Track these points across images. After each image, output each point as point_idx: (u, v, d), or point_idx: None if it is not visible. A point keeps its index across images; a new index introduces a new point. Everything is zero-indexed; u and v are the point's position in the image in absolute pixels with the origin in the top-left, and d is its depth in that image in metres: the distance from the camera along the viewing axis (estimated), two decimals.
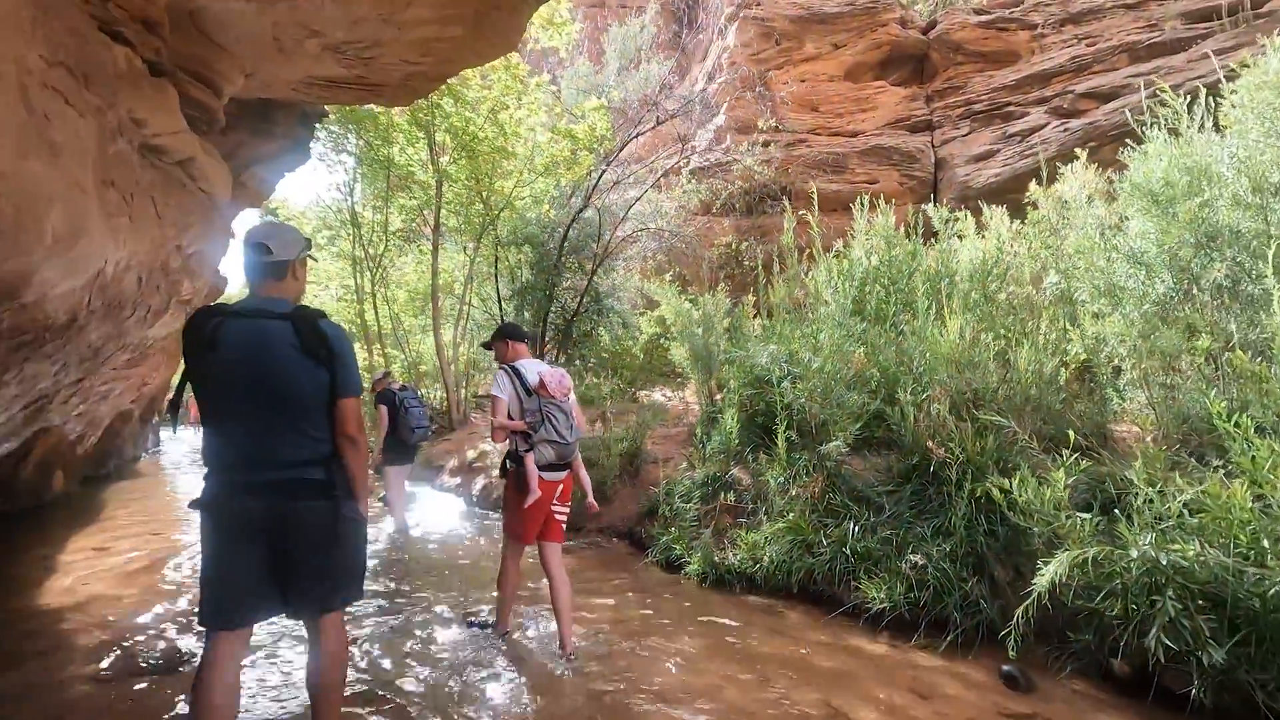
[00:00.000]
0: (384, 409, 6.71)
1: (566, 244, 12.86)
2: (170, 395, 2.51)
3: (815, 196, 7.07)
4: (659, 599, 4.59)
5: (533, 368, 3.59)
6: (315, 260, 5.22)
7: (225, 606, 2.21)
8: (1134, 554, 2.91)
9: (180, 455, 16.23)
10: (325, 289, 15.67)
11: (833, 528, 4.50)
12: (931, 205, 6.95)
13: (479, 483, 8.75)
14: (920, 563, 3.89)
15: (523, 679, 3.31)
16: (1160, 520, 3.05)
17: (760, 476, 5.33)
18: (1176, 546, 2.84)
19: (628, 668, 3.43)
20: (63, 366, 3.96)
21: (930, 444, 4.52)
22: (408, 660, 3.56)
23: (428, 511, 8.24)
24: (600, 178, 12.32)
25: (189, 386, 2.25)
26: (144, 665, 3.46)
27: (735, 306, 7.86)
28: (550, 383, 3.49)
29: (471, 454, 9.72)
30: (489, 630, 3.87)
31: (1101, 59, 11.64)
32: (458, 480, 9.55)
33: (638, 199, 12.87)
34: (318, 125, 10.72)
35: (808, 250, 7.02)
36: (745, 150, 15.08)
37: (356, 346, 15.64)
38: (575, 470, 3.74)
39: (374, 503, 7.65)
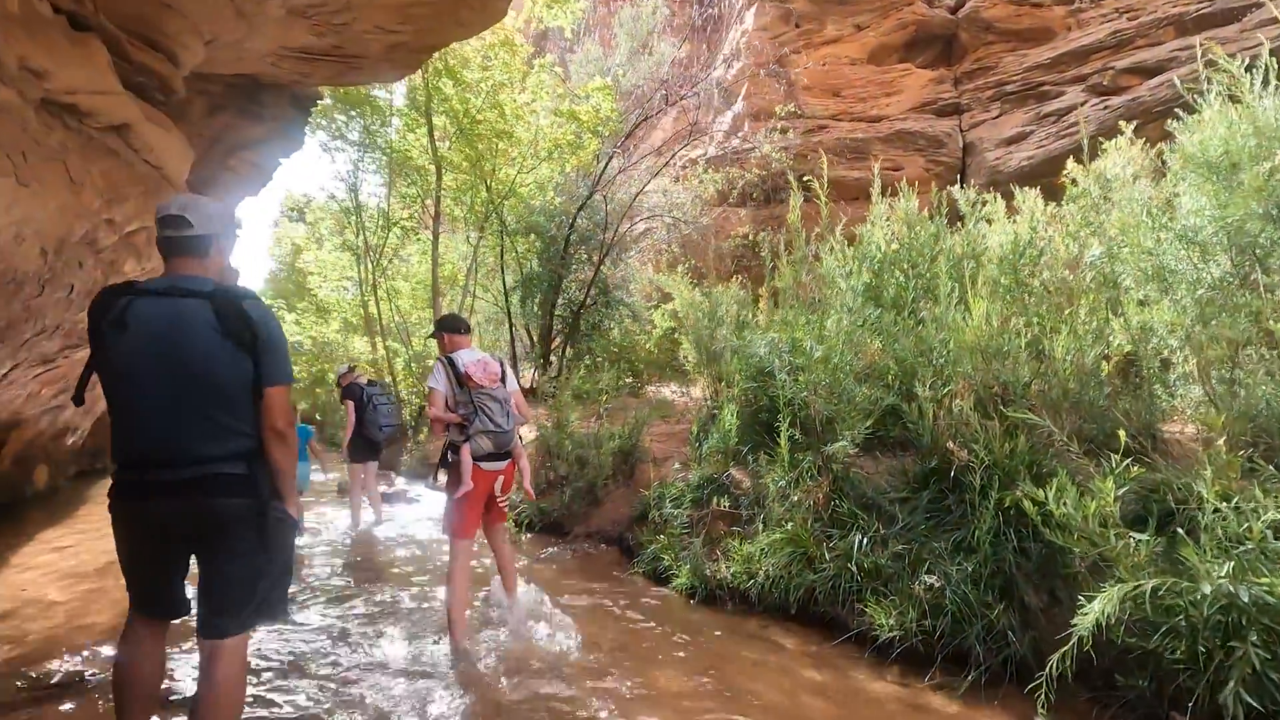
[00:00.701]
0: (350, 404, 6.50)
1: (574, 233, 12.38)
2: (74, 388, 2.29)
3: (825, 173, 6.47)
4: (639, 616, 4.07)
5: (467, 357, 3.50)
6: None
7: (146, 600, 2.13)
8: (1206, 588, 2.31)
9: None
10: (326, 281, 15.38)
11: (837, 539, 3.94)
12: (958, 187, 6.31)
13: None
14: (937, 584, 3.32)
15: (465, 703, 2.82)
16: (1237, 544, 2.45)
17: (760, 479, 4.78)
18: (1265, 580, 2.24)
19: (588, 696, 2.92)
20: None
21: (951, 445, 3.94)
22: (327, 682, 3.08)
23: (399, 511, 7.81)
24: (608, 164, 11.81)
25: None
26: (22, 690, 3.03)
27: (747, 298, 7.32)
28: (475, 372, 3.39)
29: None
30: (440, 645, 3.51)
31: (1145, 33, 10.82)
32: None
33: (645, 185, 12.33)
34: (312, 111, 10.38)
35: (819, 234, 6.44)
36: (762, 137, 14.48)
37: (361, 341, 15.42)
38: (516, 458, 3.66)
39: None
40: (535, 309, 13.27)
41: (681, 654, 3.48)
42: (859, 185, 13.23)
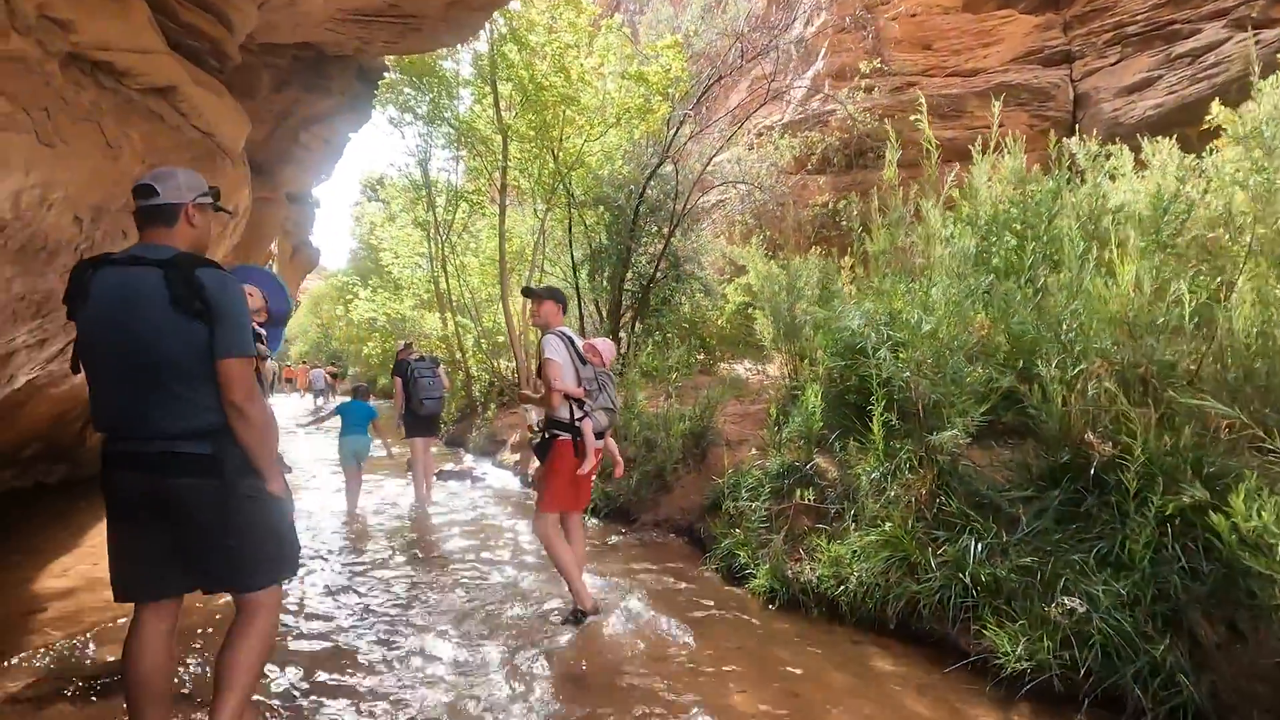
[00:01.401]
0: (398, 380, 6.72)
1: (643, 204, 11.88)
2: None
3: (926, 124, 5.71)
4: (710, 620, 3.64)
5: (575, 337, 3.62)
6: (229, 213, 4.60)
7: (125, 581, 2.07)
8: None
9: (286, 420, 16.66)
10: (399, 258, 15.47)
11: (946, 544, 3.37)
12: (1076, 139, 5.44)
13: (536, 461, 8.04)
14: (1080, 608, 2.72)
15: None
16: None
17: (849, 470, 4.23)
18: None
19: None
20: None
21: (1090, 436, 3.28)
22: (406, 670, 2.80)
23: (465, 490, 7.63)
24: (678, 129, 11.21)
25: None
26: (66, 687, 2.88)
27: (831, 268, 6.69)
28: (605, 350, 3.77)
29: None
30: (582, 619, 3.53)
31: None
32: (516, 457, 8.93)
33: (718, 151, 11.68)
34: (379, 84, 10.26)
35: (917, 193, 5.71)
36: (845, 97, 13.49)
37: (432, 316, 15.50)
38: (607, 438, 3.78)
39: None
40: (604, 283, 12.91)
41: (759, 671, 3.03)
42: (953, 147, 12.08)
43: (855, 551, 3.62)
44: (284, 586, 2.38)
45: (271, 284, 3.26)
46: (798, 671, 3.02)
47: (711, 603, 3.92)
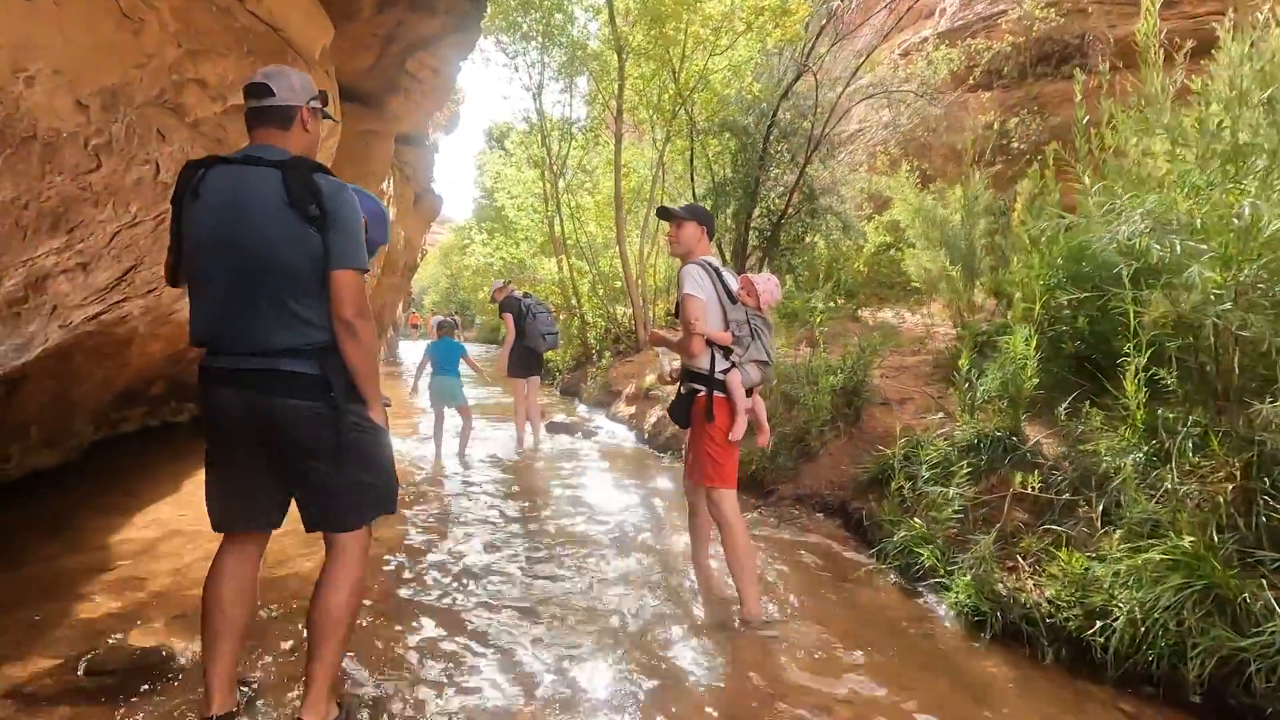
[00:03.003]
0: (509, 316, 6.26)
1: (774, 128, 10.46)
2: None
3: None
4: (885, 648, 2.62)
5: (724, 269, 2.93)
6: (335, 121, 4.44)
7: (218, 508, 1.95)
8: None
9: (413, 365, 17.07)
10: (514, 199, 14.92)
11: None
12: None
13: (653, 416, 7.20)
14: None
15: None
16: None
17: (1085, 448, 2.99)
18: None
19: None
20: None
21: None
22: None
23: (578, 444, 6.90)
24: (819, 35, 9.63)
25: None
26: (111, 671, 2.37)
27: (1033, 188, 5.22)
28: (764, 290, 2.93)
29: (651, 379, 8.19)
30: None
31: None
32: (632, 410, 8.13)
33: (868, 55, 10.01)
34: (486, 3, 9.47)
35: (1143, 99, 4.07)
36: None
37: (548, 262, 14.96)
38: (755, 400, 3.02)
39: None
40: (728, 221, 11.69)
41: None
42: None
43: (1118, 573, 2.43)
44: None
45: (377, 211, 2.67)
46: None
47: (886, 619, 2.89)
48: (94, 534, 3.81)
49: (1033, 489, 2.95)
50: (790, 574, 3.40)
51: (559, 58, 11.29)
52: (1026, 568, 2.81)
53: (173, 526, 3.97)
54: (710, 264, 2.82)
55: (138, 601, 2.96)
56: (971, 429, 3.58)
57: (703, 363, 2.79)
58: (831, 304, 7.07)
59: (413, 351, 21.91)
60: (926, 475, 3.50)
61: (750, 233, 11.22)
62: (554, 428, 7.45)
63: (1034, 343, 3.43)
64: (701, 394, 2.80)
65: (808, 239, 11.53)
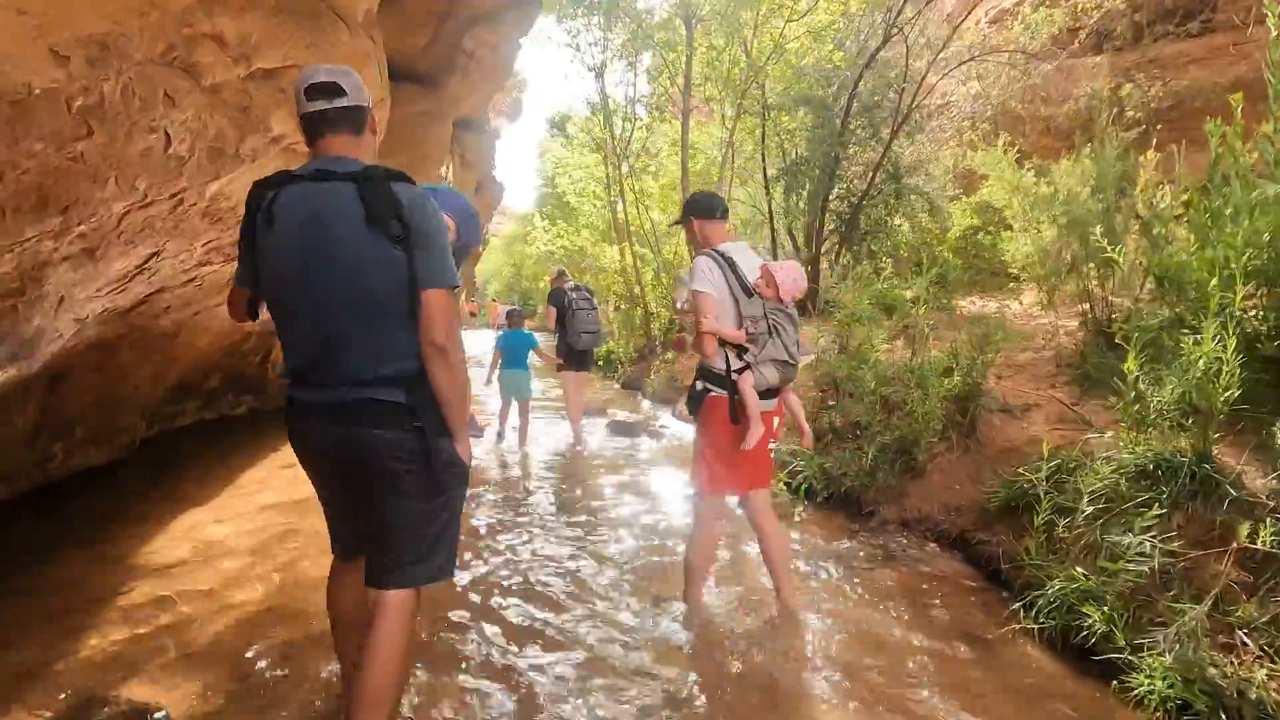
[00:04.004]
0: (552, 310, 6.11)
1: (855, 101, 9.60)
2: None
3: None
4: None
5: (746, 257, 2.69)
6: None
7: (336, 542, 1.94)
8: None
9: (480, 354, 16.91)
10: (574, 183, 14.42)
11: None
12: None
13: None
14: None
15: None
16: None
17: None
18: None
19: None
20: None
21: None
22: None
23: (641, 444, 6.34)
24: None
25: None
26: None
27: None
28: (784, 280, 2.58)
29: None
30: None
31: None
32: None
33: (964, 17, 9.04)
34: None
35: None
36: None
37: (609, 249, 14.46)
38: (785, 395, 2.77)
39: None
40: (801, 204, 10.89)
41: None
42: None
43: None
44: None
45: (465, 210, 2.46)
46: None
47: (1048, 702, 2.22)
48: (122, 546, 3.50)
49: (1264, 543, 2.20)
50: (911, 622, 2.75)
51: (622, 33, 10.69)
52: (1254, 648, 2.09)
53: (205, 541, 3.63)
54: (721, 253, 2.62)
55: (145, 639, 2.58)
56: (1142, 450, 2.83)
57: (718, 363, 2.59)
58: (932, 295, 6.22)
59: (472, 340, 21.89)
60: (1083, 507, 2.78)
61: (828, 215, 10.40)
62: (616, 428, 6.93)
63: (1231, 343, 2.66)
64: (715, 394, 2.60)
65: (890, 222, 10.60)
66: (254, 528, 3.84)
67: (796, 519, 4.10)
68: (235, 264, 1.81)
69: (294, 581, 3.10)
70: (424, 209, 1.66)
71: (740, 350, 2.56)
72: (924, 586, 3.14)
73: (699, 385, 2.67)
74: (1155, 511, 2.48)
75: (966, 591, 3.09)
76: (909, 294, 4.89)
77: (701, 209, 2.77)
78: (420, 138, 8.15)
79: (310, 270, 1.64)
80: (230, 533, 3.74)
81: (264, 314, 1.80)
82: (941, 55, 9.66)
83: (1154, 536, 2.45)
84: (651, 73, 11.36)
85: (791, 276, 2.60)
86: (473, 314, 31.87)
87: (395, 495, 1.71)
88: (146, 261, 3.21)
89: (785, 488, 4.41)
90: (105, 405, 4.89)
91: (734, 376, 2.55)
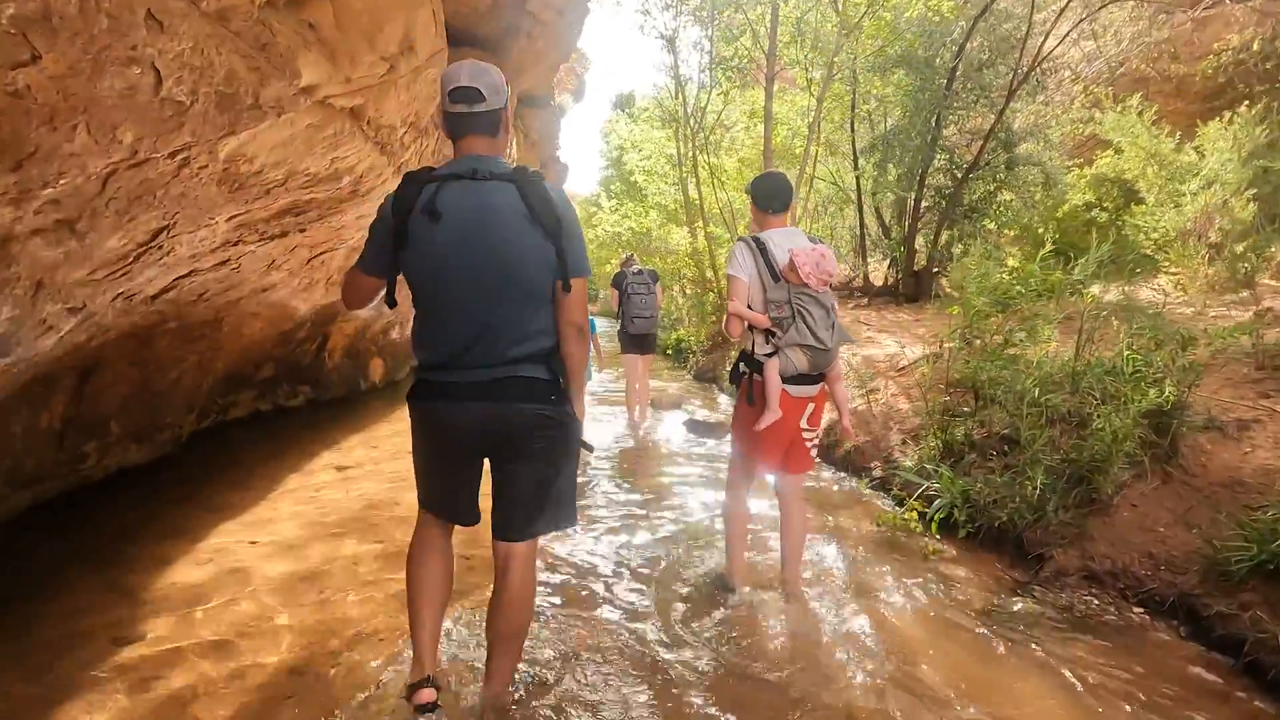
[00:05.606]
0: (615, 293, 6.19)
1: (961, 62, 8.46)
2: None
3: None
4: None
5: (786, 243, 2.65)
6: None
7: (434, 501, 2.03)
8: None
9: None
10: (644, 160, 13.59)
11: None
12: None
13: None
14: None
15: None
16: None
17: None
18: None
19: None
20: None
21: None
22: None
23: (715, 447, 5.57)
24: None
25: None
26: None
27: None
28: (805, 265, 2.55)
29: None
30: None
31: None
32: None
33: None
34: None
35: None
36: None
37: (679, 231, 13.62)
38: (831, 384, 2.75)
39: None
40: (893, 180, 9.81)
41: None
42: None
43: None
44: None
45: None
46: None
47: None
48: (138, 572, 3.01)
49: None
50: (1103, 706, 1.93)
51: None
52: None
53: (230, 564, 3.11)
54: (754, 239, 2.68)
55: (129, 704, 2.03)
56: None
57: (748, 345, 2.73)
58: (1099, 279, 4.99)
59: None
60: None
61: (925, 190, 9.31)
62: (695, 427, 6.22)
63: None
64: (746, 374, 2.69)
65: (999, 196, 9.39)
66: (287, 552, 3.30)
67: (932, 556, 3.29)
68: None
69: (318, 637, 2.51)
70: (569, 206, 1.88)
71: (768, 334, 2.60)
72: (1112, 642, 2.30)
73: (740, 369, 2.76)
74: None
75: (1172, 656, 2.24)
76: (1080, 273, 3.89)
77: (760, 197, 2.78)
78: None
79: (478, 263, 1.78)
80: (260, 558, 3.20)
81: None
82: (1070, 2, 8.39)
83: None
84: (732, 32, 10.39)
85: (813, 260, 2.55)
86: None
87: (531, 460, 1.88)
88: (153, 239, 2.65)
89: (916, 519, 3.57)
90: (144, 399, 4.49)
91: (761, 359, 2.59)
